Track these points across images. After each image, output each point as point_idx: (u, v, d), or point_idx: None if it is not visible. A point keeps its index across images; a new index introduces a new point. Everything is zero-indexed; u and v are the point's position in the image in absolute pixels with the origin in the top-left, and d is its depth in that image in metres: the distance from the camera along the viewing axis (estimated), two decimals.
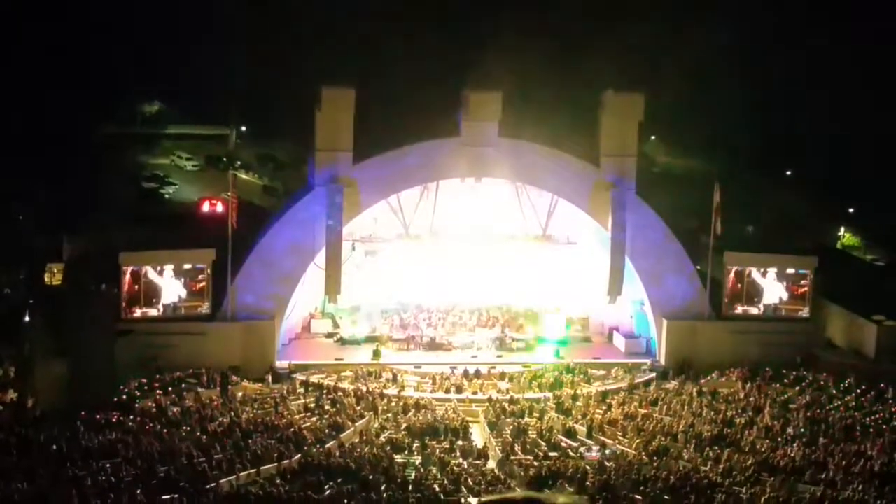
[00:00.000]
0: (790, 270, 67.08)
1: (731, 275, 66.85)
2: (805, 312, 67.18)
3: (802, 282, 67.10)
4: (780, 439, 52.10)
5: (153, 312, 62.49)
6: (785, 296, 66.96)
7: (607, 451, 50.97)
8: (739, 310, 66.95)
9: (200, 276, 63.20)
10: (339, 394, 58.85)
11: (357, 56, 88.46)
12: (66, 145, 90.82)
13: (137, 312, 62.19)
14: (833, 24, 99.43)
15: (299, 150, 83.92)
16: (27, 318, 62.00)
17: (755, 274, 67.02)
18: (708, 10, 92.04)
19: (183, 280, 63.03)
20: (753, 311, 67.06)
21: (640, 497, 43.81)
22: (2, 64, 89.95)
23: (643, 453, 50.46)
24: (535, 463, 48.32)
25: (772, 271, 66.92)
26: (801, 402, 57.92)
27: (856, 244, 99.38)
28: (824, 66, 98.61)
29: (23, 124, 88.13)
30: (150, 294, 62.41)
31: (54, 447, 46.14)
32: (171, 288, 62.80)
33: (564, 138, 66.50)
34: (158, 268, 62.54)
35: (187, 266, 63.04)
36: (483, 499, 7.22)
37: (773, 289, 67.05)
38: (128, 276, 61.90)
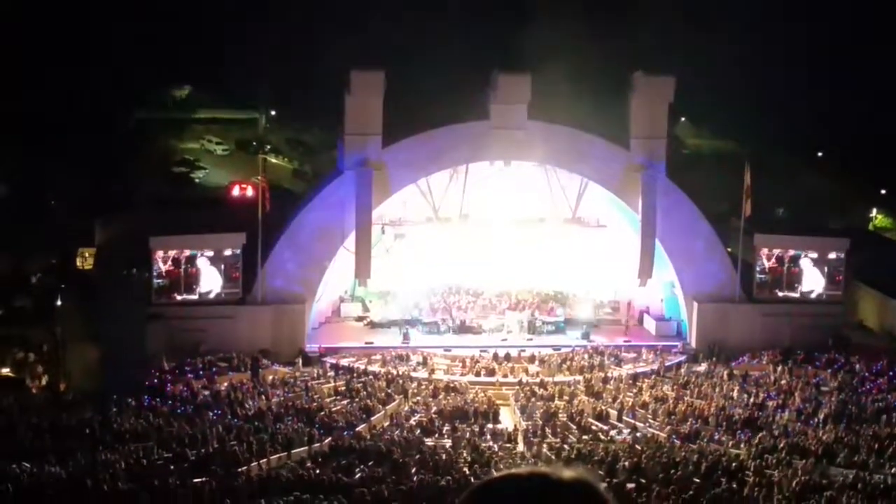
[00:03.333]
0: (828, 255, 66.48)
1: (772, 259, 66.41)
2: (837, 294, 66.79)
3: (836, 265, 66.64)
4: (811, 422, 51.91)
5: (190, 297, 62.58)
6: (822, 281, 66.42)
7: (638, 434, 50.87)
8: (780, 294, 66.48)
9: (236, 264, 63.23)
10: (370, 377, 58.97)
11: (387, 38, 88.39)
12: (98, 130, 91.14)
13: (174, 297, 62.27)
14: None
15: (329, 134, 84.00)
16: (59, 303, 62.48)
17: (795, 259, 66.49)
18: None
19: (221, 266, 63.06)
20: (792, 294, 66.57)
21: (670, 480, 43.73)
22: (33, 49, 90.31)
23: (674, 436, 50.36)
24: (566, 446, 48.27)
25: (809, 255, 66.39)
26: (833, 384, 57.71)
27: (888, 225, 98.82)
28: (852, 43, 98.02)
29: (54, 109, 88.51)
30: (188, 281, 62.50)
31: (87, 430, 46.41)
32: (208, 275, 62.84)
33: (594, 121, 66.28)
34: (196, 253, 62.53)
35: (226, 252, 63.01)
36: (487, 478, 7.09)
37: (810, 273, 66.58)
38: (163, 262, 62.01)
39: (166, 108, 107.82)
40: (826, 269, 66.48)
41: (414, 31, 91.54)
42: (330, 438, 47.93)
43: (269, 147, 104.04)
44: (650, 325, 68.20)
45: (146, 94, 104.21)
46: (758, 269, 66.54)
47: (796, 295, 66.50)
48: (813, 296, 66.48)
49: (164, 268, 62.02)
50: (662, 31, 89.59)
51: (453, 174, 66.60)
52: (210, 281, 62.90)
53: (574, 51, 67.46)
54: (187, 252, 62.22)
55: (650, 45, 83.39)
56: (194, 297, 62.56)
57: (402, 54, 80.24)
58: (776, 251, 66.54)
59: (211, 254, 62.79)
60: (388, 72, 64.12)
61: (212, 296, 62.86)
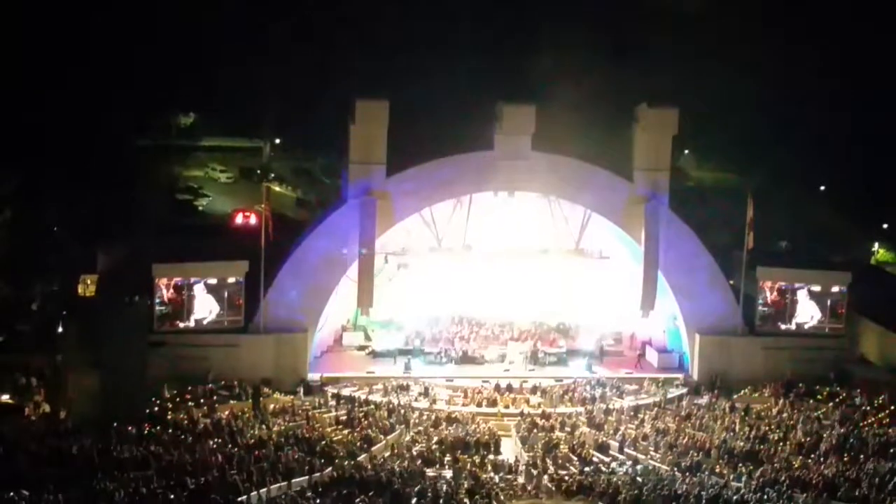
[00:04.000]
0: (828, 288, 66.59)
1: (774, 292, 66.50)
2: (839, 328, 66.80)
3: (837, 298, 66.70)
4: (813, 456, 51.80)
5: (189, 325, 62.60)
6: (818, 315, 66.55)
7: (639, 467, 50.74)
8: (783, 327, 66.55)
9: (238, 291, 63.27)
10: (371, 407, 58.88)
11: (391, 68, 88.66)
12: (102, 156, 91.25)
13: (176, 325, 62.31)
14: (869, 37, 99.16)
15: (333, 163, 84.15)
16: (61, 329, 62.43)
17: (793, 291, 66.60)
18: (744, 28, 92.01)
19: (221, 295, 63.10)
20: (792, 327, 66.64)
21: None
22: (36, 74, 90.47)
23: (675, 469, 50.25)
24: (567, 478, 48.15)
25: (808, 288, 66.49)
26: (835, 418, 57.61)
27: (890, 259, 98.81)
28: (857, 80, 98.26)
29: (57, 135, 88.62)
30: (188, 308, 62.55)
31: (86, 458, 46.30)
32: (203, 302, 62.89)
33: (598, 152, 66.37)
34: (196, 281, 62.62)
35: (228, 280, 63.07)
36: None
37: (809, 306, 66.66)
38: (166, 289, 62.05)
39: (171, 135, 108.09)
40: (827, 301, 66.51)
41: (419, 61, 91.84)
42: (331, 468, 47.84)
43: (272, 175, 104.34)
44: (652, 356, 68.10)
45: (151, 121, 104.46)
46: (760, 301, 66.56)
47: (794, 327, 66.55)
48: (807, 327, 66.55)
49: (166, 295, 62.09)
50: (667, 64, 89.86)
51: (457, 204, 66.64)
52: (204, 308, 62.91)
53: (578, 82, 67.73)
54: (183, 279, 62.29)
55: (655, 78, 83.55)
56: (190, 324, 62.57)
57: (406, 84, 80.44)
58: (779, 284, 66.59)
59: (213, 281, 62.83)
60: (393, 101, 64.24)
61: (205, 322, 62.84)
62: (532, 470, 49.86)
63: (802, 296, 66.53)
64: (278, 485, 45.63)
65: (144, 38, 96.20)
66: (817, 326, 66.75)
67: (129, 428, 50.95)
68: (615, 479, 48.01)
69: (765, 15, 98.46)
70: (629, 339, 70.37)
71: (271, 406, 58.30)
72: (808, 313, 66.63)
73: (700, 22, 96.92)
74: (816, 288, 66.51)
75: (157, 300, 61.63)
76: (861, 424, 56.59)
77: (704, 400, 61.64)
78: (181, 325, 62.24)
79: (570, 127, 66.80)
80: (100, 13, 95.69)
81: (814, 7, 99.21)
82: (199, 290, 62.62)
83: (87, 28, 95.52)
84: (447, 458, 51.36)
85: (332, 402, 60.18)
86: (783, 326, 66.58)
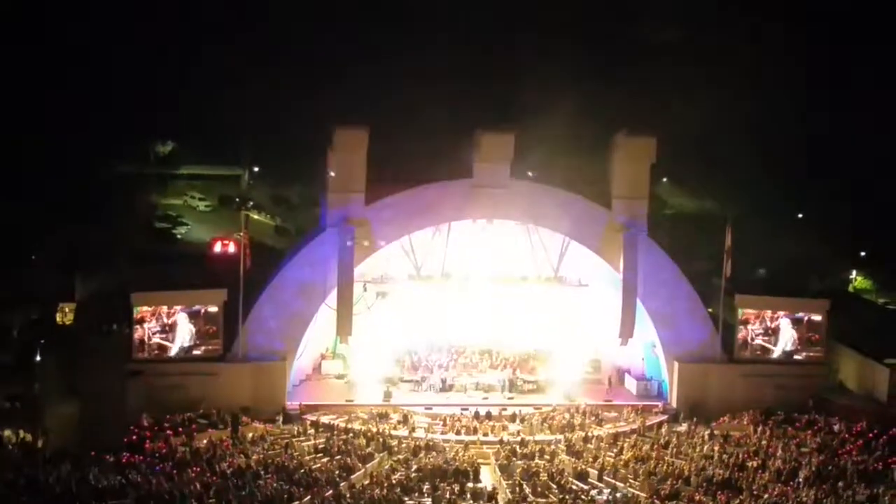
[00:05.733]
0: (803, 315, 66.89)
1: (749, 319, 66.78)
2: (818, 356, 67.01)
3: (815, 326, 66.95)
4: (791, 483, 51.90)
5: (166, 354, 62.49)
6: (794, 341, 66.82)
7: (618, 495, 50.74)
8: (758, 352, 66.79)
9: (212, 320, 63.22)
10: (350, 435, 58.80)
11: (370, 97, 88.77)
12: (80, 185, 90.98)
13: (149, 353, 62.20)
14: (847, 64, 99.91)
15: (312, 191, 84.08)
16: (39, 358, 62.13)
17: (770, 318, 66.85)
18: (722, 55, 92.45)
19: (196, 323, 63.06)
20: (769, 355, 66.84)
21: None
22: (12, 99, 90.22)
23: (654, 497, 50.27)
24: None
25: (786, 317, 66.76)
26: (813, 445, 57.76)
27: (868, 287, 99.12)
28: (836, 109, 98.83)
29: (35, 163, 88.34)
30: (163, 336, 62.46)
31: (64, 488, 46.12)
32: (184, 330, 62.82)
33: (576, 180, 66.57)
34: (172, 310, 62.56)
35: (200, 308, 63.05)
36: None
37: (787, 334, 66.90)
38: (142, 317, 61.98)
39: (149, 163, 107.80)
40: (803, 329, 66.79)
41: (398, 89, 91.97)
42: (309, 496, 47.73)
43: (251, 203, 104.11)
44: (631, 384, 68.18)
45: (129, 149, 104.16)
46: (739, 329, 66.79)
47: (771, 356, 66.73)
48: (786, 355, 66.70)
49: (146, 325, 62.00)
50: (645, 93, 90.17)
51: (436, 232, 66.73)
52: (184, 336, 62.87)
53: (557, 111, 67.92)
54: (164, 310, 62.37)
55: (633, 107, 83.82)
56: (168, 353, 62.47)
57: (385, 112, 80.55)
58: (759, 312, 66.90)
59: (191, 309, 62.82)
60: (372, 130, 64.39)
61: (172, 353, 62.65)
62: (512, 498, 49.84)
63: (785, 321, 66.72)
64: None
65: (122, 65, 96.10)
66: (795, 354, 66.92)
67: (108, 457, 50.80)
68: None
69: (743, 42, 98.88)
70: (605, 366, 70.44)
71: (250, 434, 58.17)
72: (786, 341, 66.83)
73: (678, 50, 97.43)
74: (796, 315, 66.73)
75: (136, 329, 61.56)
76: (839, 452, 56.75)
77: (683, 427, 61.70)
78: (160, 354, 62.15)
79: (548, 155, 67.05)
80: (77, 37, 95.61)
81: (792, 34, 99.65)
82: (181, 316, 62.58)
83: (63, 53, 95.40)
84: (426, 486, 51.28)
85: (311, 431, 60.06)
86: (766, 355, 66.73)
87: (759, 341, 66.88)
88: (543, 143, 67.06)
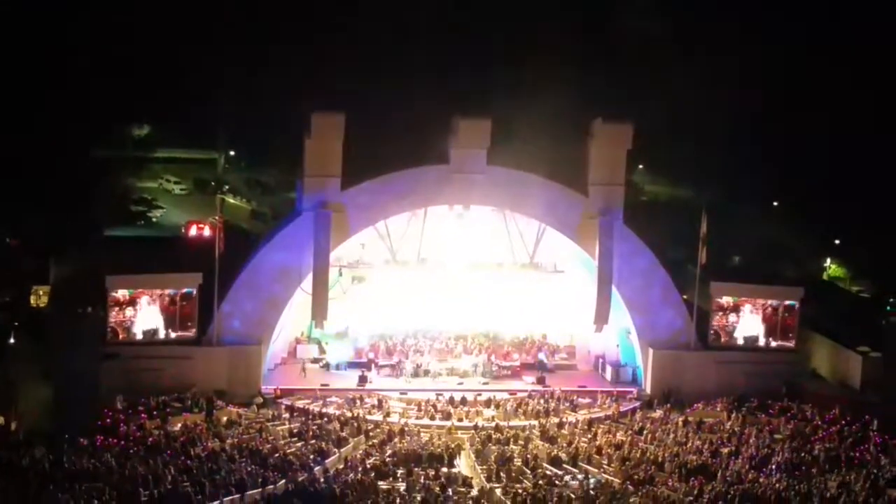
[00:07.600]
0: (777, 303, 67.09)
1: (721, 306, 66.97)
2: (791, 343, 67.24)
3: (789, 313, 67.15)
4: (764, 469, 52.10)
5: (139, 336, 62.36)
6: (767, 328, 67.03)
7: (592, 480, 50.85)
8: (728, 339, 67.00)
9: (187, 302, 63.11)
10: (325, 419, 58.78)
11: (347, 82, 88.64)
12: (54, 168, 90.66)
13: (123, 336, 62.04)
14: (824, 55, 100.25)
15: (287, 175, 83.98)
16: (12, 340, 61.97)
17: (744, 306, 67.07)
18: (698, 44, 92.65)
19: (168, 305, 62.91)
20: (740, 341, 67.07)
21: None
22: None
23: (628, 482, 50.40)
24: (520, 491, 48.20)
25: (759, 303, 66.97)
26: (787, 432, 58.01)
27: (842, 275, 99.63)
28: (814, 95, 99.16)
29: (10, 146, 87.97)
30: (137, 318, 62.33)
31: (38, 470, 45.99)
32: (154, 314, 62.69)
33: (552, 167, 66.58)
34: (146, 292, 62.44)
35: (174, 291, 62.92)
36: None
37: (760, 321, 67.09)
38: (116, 300, 61.81)
39: (125, 146, 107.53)
40: (777, 317, 66.97)
41: (375, 74, 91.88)
42: (284, 481, 47.71)
43: (227, 187, 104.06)
44: (606, 370, 68.33)
45: (105, 132, 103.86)
46: (713, 316, 67.02)
47: (745, 343, 66.94)
48: (748, 343, 66.94)
49: (120, 308, 61.84)
50: (622, 79, 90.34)
51: (412, 217, 66.70)
52: (155, 319, 62.75)
53: (534, 97, 67.85)
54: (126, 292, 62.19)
55: (609, 93, 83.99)
56: (141, 335, 62.35)
57: (362, 98, 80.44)
58: (731, 299, 67.11)
59: (158, 293, 62.67)
60: (349, 115, 64.26)
61: (140, 336, 62.54)
62: (486, 483, 49.93)
63: (757, 307, 66.94)
64: (231, 497, 45.51)
65: (99, 49, 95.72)
66: (769, 341, 67.12)
67: (82, 439, 50.68)
68: (567, 492, 48.16)
69: (719, 32, 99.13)
70: (585, 353, 70.60)
71: (224, 418, 58.11)
72: (760, 328, 67.04)
73: (656, 39, 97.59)
74: (770, 303, 66.95)
75: (111, 312, 61.39)
76: (812, 439, 57.00)
77: (658, 414, 61.87)
78: (134, 336, 62.03)
79: (525, 141, 67.00)
80: (53, 22, 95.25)
81: (769, 25, 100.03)
82: (144, 302, 62.45)
83: (40, 39, 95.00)
84: (400, 470, 51.30)
85: (286, 415, 60.04)
86: (737, 341, 66.95)
87: (732, 328, 67.07)
88: (520, 129, 67.06)
